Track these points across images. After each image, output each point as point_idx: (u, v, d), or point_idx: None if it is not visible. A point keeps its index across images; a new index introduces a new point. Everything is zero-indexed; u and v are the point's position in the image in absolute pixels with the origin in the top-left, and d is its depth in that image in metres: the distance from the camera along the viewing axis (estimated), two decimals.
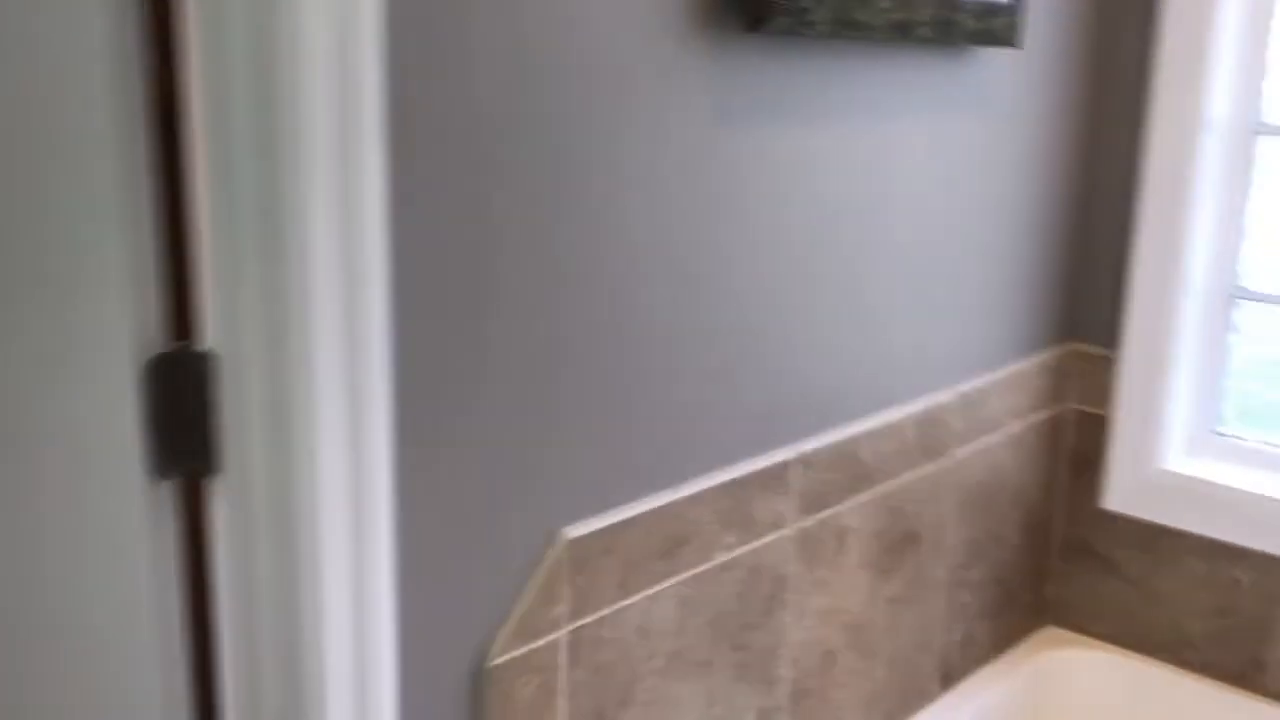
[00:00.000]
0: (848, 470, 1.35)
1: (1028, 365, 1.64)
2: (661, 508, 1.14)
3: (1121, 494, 1.72)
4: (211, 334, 0.85)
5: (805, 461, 1.29)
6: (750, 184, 1.16)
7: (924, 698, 1.58)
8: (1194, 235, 1.61)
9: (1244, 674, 1.64)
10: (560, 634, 1.07)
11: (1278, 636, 1.61)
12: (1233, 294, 1.68)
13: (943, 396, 1.48)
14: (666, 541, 1.15)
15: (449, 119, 0.90)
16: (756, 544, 1.25)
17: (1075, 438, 1.75)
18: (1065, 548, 1.78)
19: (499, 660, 1.02)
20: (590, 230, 1.02)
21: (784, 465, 1.26)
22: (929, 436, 1.47)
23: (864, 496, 1.38)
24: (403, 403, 0.92)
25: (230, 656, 0.92)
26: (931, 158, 1.37)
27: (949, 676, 1.62)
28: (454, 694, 1.01)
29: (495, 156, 0.94)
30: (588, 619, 1.09)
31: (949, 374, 1.49)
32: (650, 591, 1.14)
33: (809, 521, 1.31)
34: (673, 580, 1.16)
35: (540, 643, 1.05)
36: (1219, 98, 1.59)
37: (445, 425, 0.95)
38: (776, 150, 1.17)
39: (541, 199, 0.98)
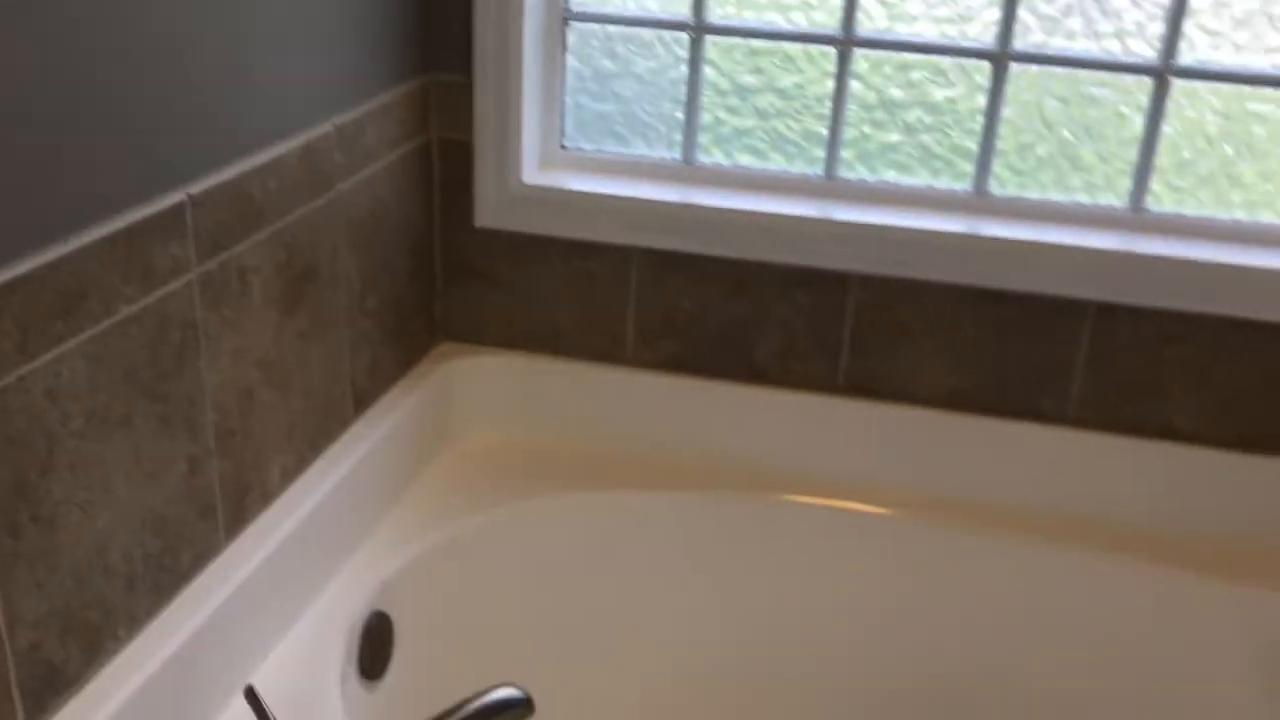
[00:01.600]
0: (242, 209, 1.34)
1: (396, 95, 1.70)
2: (50, 264, 1.07)
3: (489, 211, 1.88)
4: None
5: (197, 202, 1.26)
6: None
7: (342, 423, 1.67)
8: None
9: (608, 350, 1.92)
10: None
11: (630, 315, 1.90)
12: (565, 16, 1.85)
13: (321, 130, 1.50)
14: (63, 299, 1.09)
15: None
16: (160, 293, 1.22)
17: (444, 164, 1.87)
18: (448, 268, 1.93)
19: None
20: None
21: (178, 208, 1.23)
22: (314, 171, 1.49)
23: (260, 235, 1.39)
24: None
25: None
26: None
27: (362, 400, 1.72)
28: None
29: None
30: None
31: (324, 107, 1.51)
32: (54, 353, 1.08)
33: (211, 265, 1.30)
34: (77, 339, 1.11)
35: None
36: None
37: None
38: None
39: None
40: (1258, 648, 1.68)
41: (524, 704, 1.21)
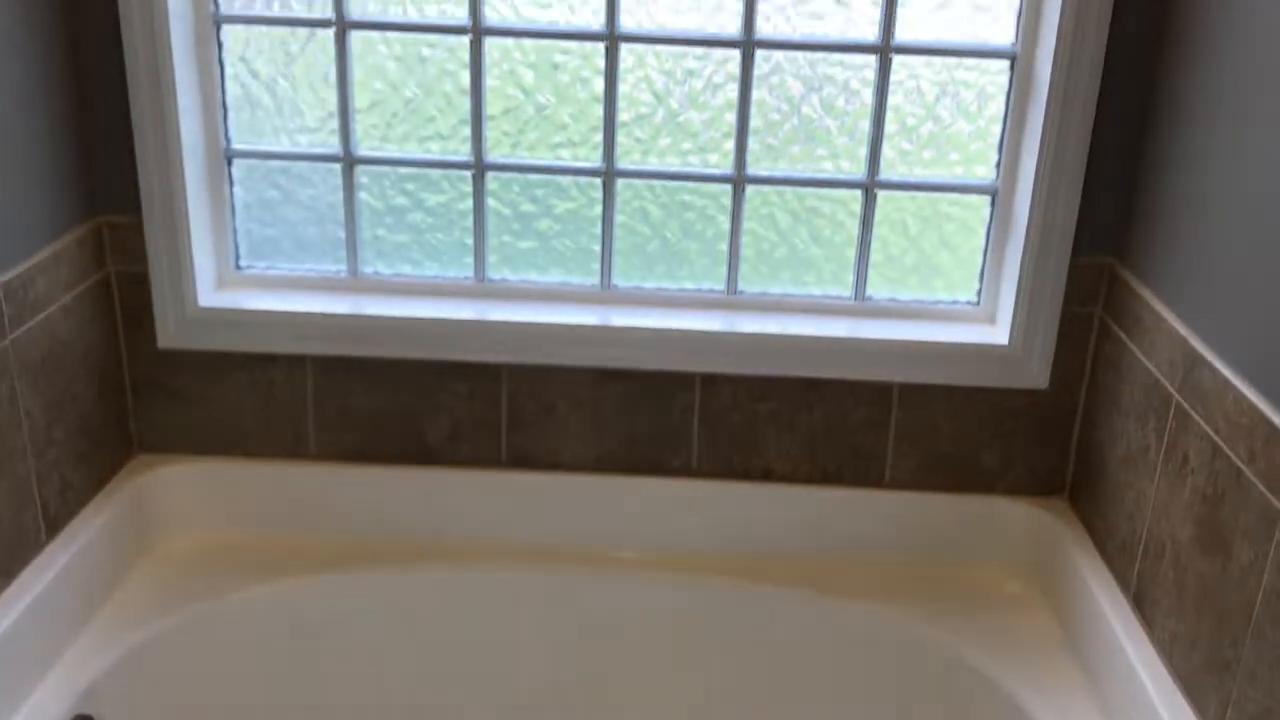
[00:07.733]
0: None
1: (66, 242, 1.87)
2: None
3: (170, 334, 2.06)
4: None
5: None
6: None
7: (35, 546, 1.81)
8: (180, 106, 1.94)
9: (293, 448, 2.13)
10: None
11: (309, 414, 2.11)
12: (228, 155, 2.06)
13: None
14: None
15: None
16: None
17: (124, 295, 2.04)
18: (138, 388, 2.10)
19: None
20: None
21: None
22: None
23: None
24: None
25: None
26: None
27: (55, 522, 1.87)
28: None
29: None
30: None
31: None
32: None
33: None
34: None
35: None
36: None
37: None
38: None
39: None
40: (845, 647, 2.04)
41: None
